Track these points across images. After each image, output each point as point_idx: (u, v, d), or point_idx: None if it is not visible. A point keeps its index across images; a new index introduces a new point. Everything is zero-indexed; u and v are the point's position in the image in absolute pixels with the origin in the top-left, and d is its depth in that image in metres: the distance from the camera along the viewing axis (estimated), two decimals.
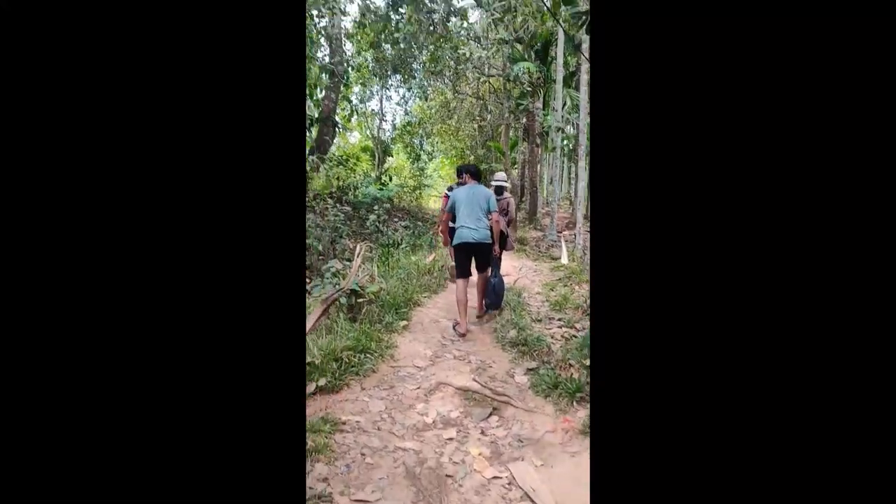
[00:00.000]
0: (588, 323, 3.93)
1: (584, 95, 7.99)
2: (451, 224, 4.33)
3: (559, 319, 4.15)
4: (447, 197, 5.20)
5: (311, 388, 2.70)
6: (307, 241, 5.84)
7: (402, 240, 7.30)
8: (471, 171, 4.31)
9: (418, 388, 2.91)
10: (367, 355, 3.11)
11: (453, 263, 4.53)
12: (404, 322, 3.89)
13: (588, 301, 4.39)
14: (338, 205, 6.78)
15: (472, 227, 3.95)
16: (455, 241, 4.07)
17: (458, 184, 4.93)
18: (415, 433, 2.41)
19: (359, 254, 4.41)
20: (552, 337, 3.66)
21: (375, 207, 6.25)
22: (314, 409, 2.58)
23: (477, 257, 4.13)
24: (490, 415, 2.61)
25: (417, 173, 16.21)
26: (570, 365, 3.08)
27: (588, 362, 3.03)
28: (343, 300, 3.70)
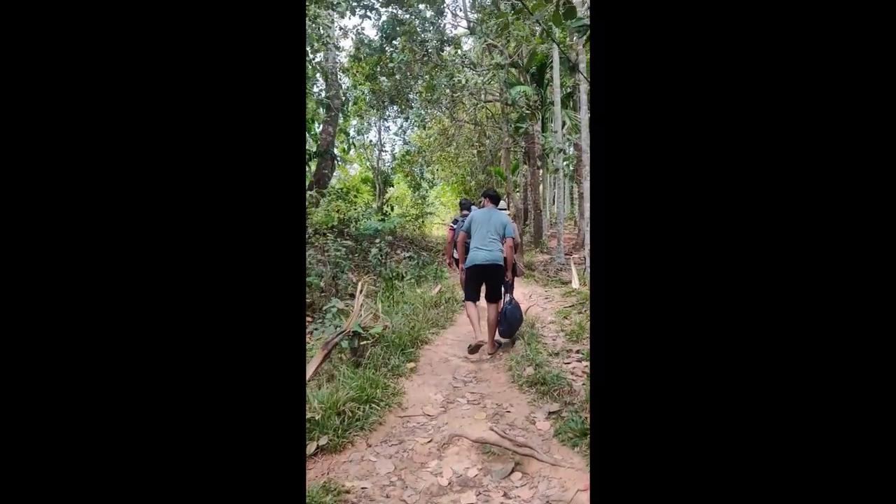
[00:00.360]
0: None
1: (584, 115, 7.87)
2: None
3: (577, 352, 3.86)
4: (453, 230, 5.45)
5: (311, 448, 2.43)
6: (308, 279, 5.61)
7: (405, 272, 7.06)
8: (490, 196, 4.35)
9: (430, 441, 2.62)
10: (373, 406, 2.84)
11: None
12: (412, 364, 3.63)
13: None
14: (339, 239, 6.57)
15: (485, 249, 3.96)
16: (467, 263, 4.06)
17: (463, 216, 5.09)
18: (428, 499, 2.12)
19: (361, 291, 4.17)
20: (572, 373, 3.38)
21: (377, 240, 6.03)
22: (315, 473, 2.30)
23: (488, 283, 4.04)
24: (512, 471, 2.31)
25: (419, 202, 16.10)
26: None
27: None
28: (345, 343, 3.44)
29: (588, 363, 3.59)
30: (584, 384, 3.15)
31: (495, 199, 4.35)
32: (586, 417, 2.66)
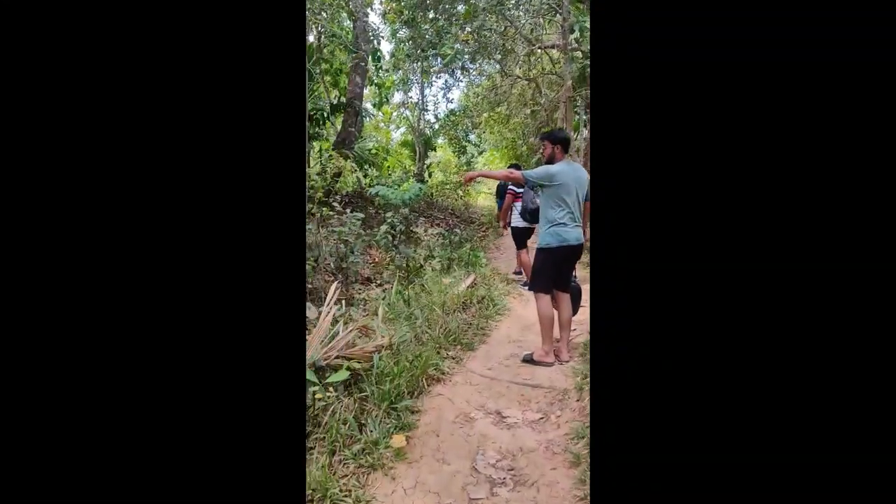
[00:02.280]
0: None
1: None
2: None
3: None
4: (512, 193, 4.82)
5: None
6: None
7: (432, 253, 5.52)
8: (561, 140, 3.12)
9: None
10: None
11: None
12: (401, 436, 2.10)
13: None
14: (349, 210, 5.11)
15: (577, 224, 3.00)
16: (555, 242, 2.98)
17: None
18: None
19: (331, 300, 2.68)
20: None
21: (389, 214, 4.50)
22: None
23: (571, 268, 3.18)
24: None
25: (465, 168, 14.44)
26: None
27: None
28: None
29: None
30: None
31: (567, 146, 3.16)
32: None
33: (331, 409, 2.09)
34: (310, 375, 1.99)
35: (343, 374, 2.08)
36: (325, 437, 1.96)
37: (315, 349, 2.33)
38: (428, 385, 2.64)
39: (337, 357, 2.41)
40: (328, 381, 2.09)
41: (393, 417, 2.21)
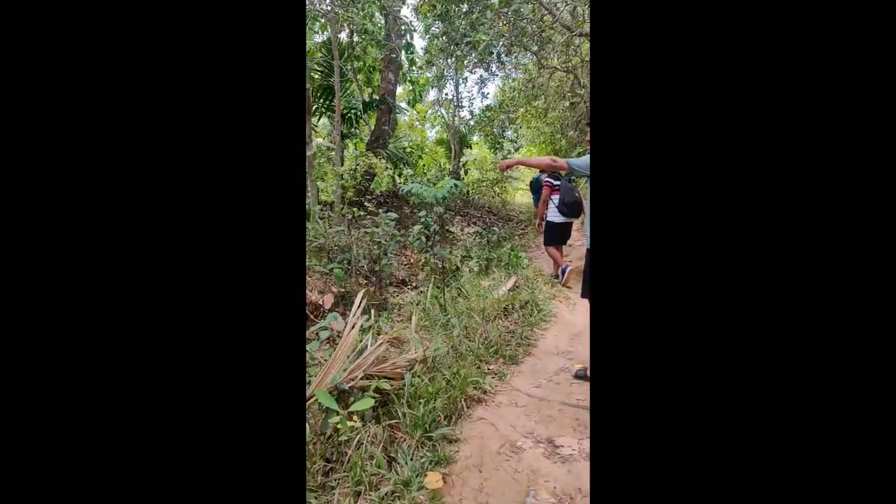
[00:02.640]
0: None
1: None
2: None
3: None
4: (549, 186, 4.80)
5: None
6: (331, 266, 3.96)
7: (470, 253, 5.19)
8: None
9: None
10: None
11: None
12: (438, 473, 1.79)
13: None
14: (382, 210, 4.86)
15: None
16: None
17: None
18: None
19: (358, 307, 2.39)
20: None
21: (423, 213, 4.19)
22: None
23: None
24: None
25: (502, 159, 14.00)
26: None
27: None
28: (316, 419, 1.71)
29: None
30: None
31: None
32: None
33: (355, 440, 1.81)
34: (331, 403, 1.70)
35: (367, 403, 1.79)
36: (348, 476, 1.68)
37: (342, 364, 2.05)
38: (468, 407, 2.32)
39: (364, 377, 2.13)
40: (351, 409, 1.80)
41: (427, 449, 1.91)
